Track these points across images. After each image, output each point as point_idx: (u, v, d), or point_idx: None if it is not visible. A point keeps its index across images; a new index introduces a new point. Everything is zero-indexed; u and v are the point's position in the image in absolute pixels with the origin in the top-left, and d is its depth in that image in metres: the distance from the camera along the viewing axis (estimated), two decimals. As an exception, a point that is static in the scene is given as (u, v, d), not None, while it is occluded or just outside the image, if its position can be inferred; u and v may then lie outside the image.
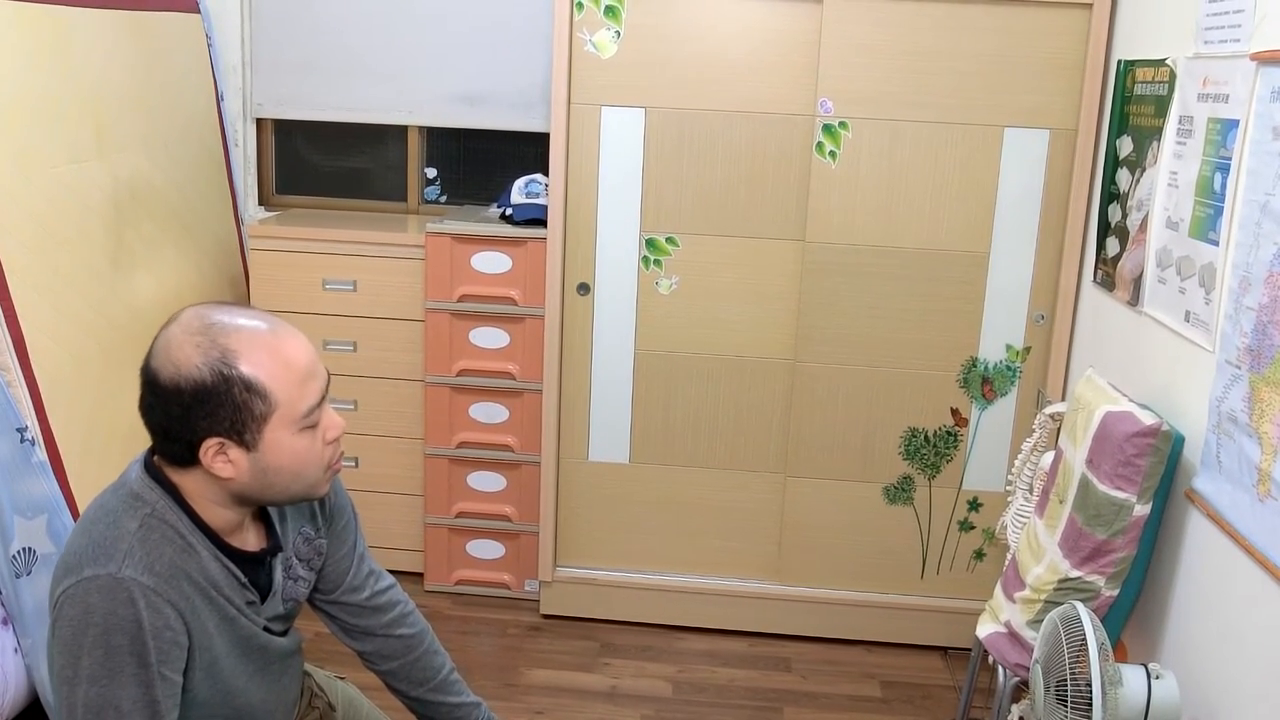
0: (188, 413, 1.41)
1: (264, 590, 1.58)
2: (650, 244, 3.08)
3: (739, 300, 3.09)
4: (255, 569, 1.56)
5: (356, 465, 3.42)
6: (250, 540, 1.57)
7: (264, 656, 1.59)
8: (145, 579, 1.39)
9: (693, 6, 2.94)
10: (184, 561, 1.45)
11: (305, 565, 1.67)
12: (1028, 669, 2.22)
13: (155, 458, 1.50)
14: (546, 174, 3.23)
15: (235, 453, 1.44)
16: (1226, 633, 2.00)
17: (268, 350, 1.44)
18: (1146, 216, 2.47)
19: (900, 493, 3.18)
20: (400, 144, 3.82)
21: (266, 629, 1.59)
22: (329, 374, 1.53)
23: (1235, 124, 2.06)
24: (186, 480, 1.48)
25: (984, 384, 3.09)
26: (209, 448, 1.43)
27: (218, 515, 1.50)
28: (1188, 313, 2.22)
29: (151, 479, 1.48)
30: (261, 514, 1.60)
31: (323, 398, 1.50)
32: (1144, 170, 2.51)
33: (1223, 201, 2.09)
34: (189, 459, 1.45)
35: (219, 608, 1.49)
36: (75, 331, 2.64)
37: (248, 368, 1.42)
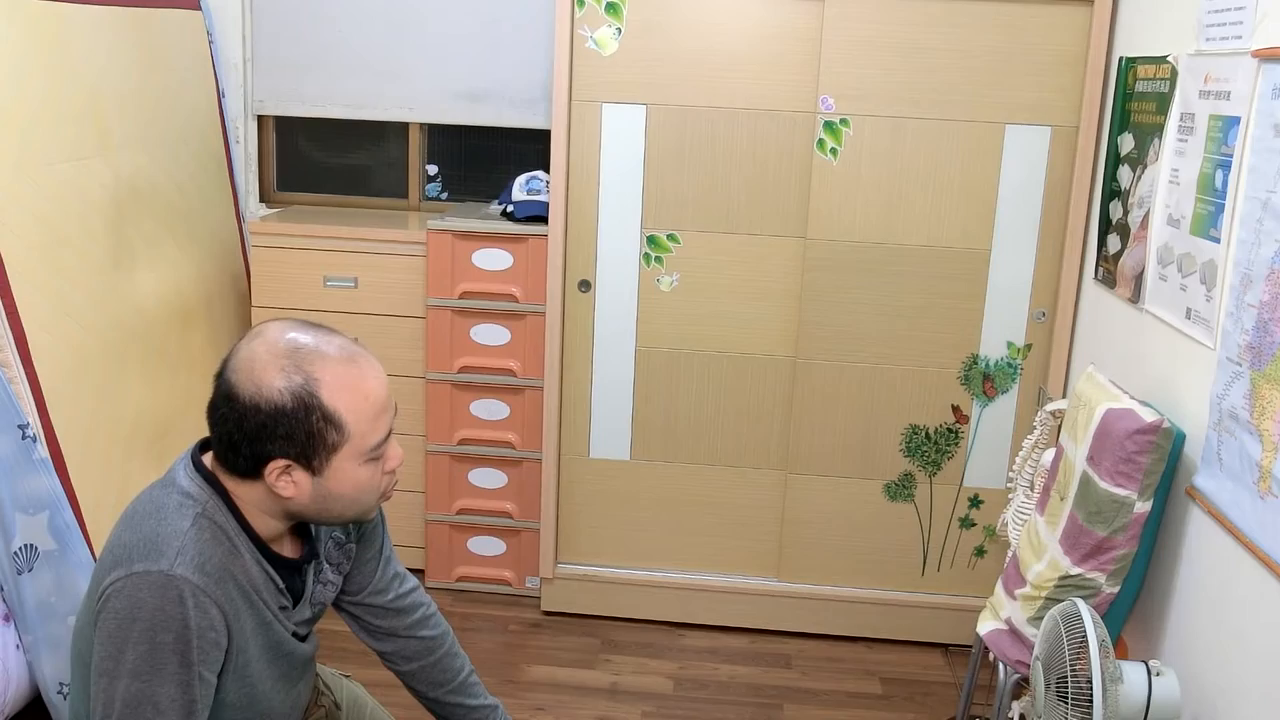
0: (261, 432, 1.42)
1: (297, 596, 1.60)
2: (651, 241, 3.08)
3: (740, 297, 3.09)
4: (291, 575, 1.57)
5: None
6: (288, 547, 1.58)
7: (289, 662, 1.60)
8: (195, 578, 1.40)
9: (694, 3, 2.93)
10: (231, 563, 1.46)
11: (335, 569, 1.68)
12: (1028, 666, 2.22)
13: (207, 459, 1.51)
14: (548, 171, 3.23)
15: (300, 475, 1.45)
16: (1227, 630, 2.00)
17: (350, 382, 1.44)
18: (1148, 214, 2.47)
19: (901, 490, 3.18)
20: (401, 141, 3.82)
21: (294, 634, 1.60)
22: (397, 406, 1.54)
23: (1236, 121, 2.06)
24: (241, 489, 1.48)
25: (985, 381, 3.09)
26: (275, 468, 1.44)
27: (265, 524, 1.51)
28: (1189, 310, 2.22)
29: (202, 478, 1.48)
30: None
31: (390, 431, 1.51)
32: (1145, 167, 2.51)
33: (1224, 199, 2.08)
34: (252, 473, 1.46)
35: (258, 611, 1.50)
36: (76, 328, 2.64)
37: (329, 398, 1.43)
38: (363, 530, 1.72)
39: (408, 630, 1.79)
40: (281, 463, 1.44)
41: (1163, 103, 2.42)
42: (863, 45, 2.91)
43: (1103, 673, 1.90)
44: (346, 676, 1.96)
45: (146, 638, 1.38)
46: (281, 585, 1.55)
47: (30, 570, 2.39)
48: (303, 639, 1.64)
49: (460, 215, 3.32)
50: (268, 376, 1.41)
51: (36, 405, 2.44)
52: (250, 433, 1.42)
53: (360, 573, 1.74)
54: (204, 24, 3.47)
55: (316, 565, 1.64)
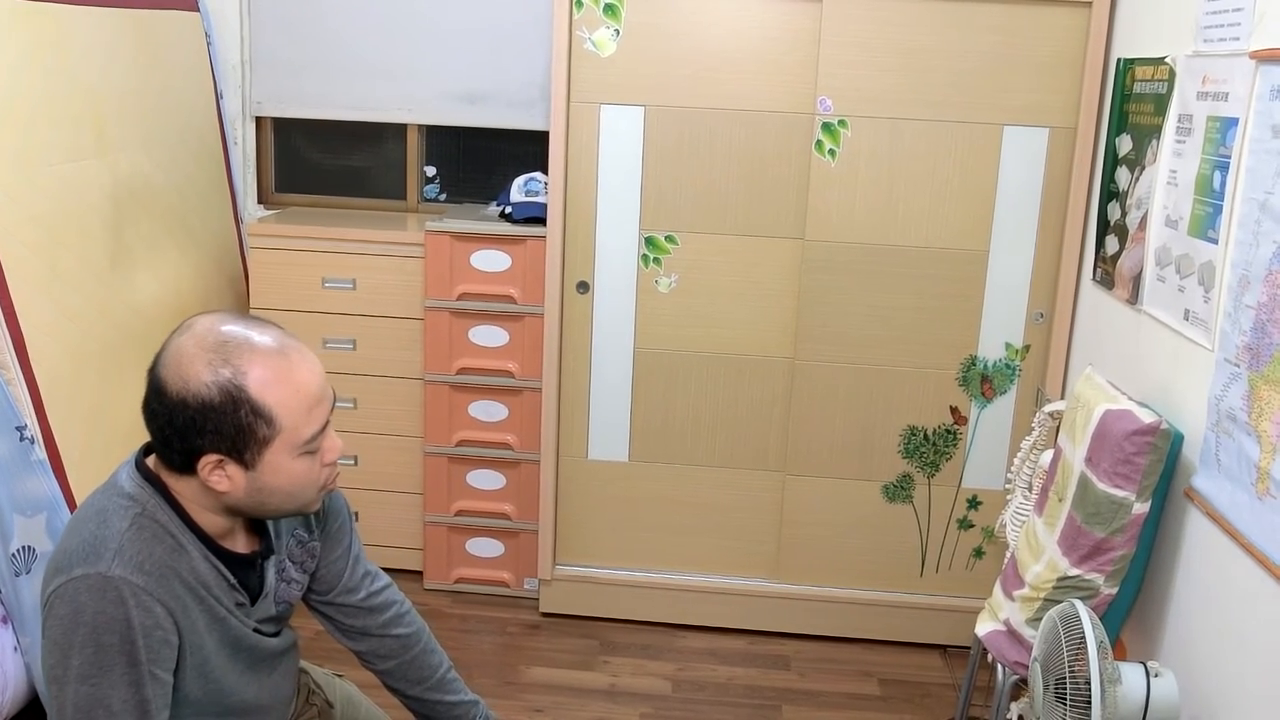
0: (190, 427, 1.40)
1: (254, 592, 1.58)
2: (650, 242, 3.08)
3: (738, 298, 3.09)
4: (246, 571, 1.56)
5: (356, 464, 3.42)
6: (241, 543, 1.57)
7: (254, 655, 1.59)
8: (135, 578, 1.39)
9: (692, 5, 2.93)
10: (174, 561, 1.45)
11: (298, 568, 1.67)
12: (1027, 667, 2.22)
13: (148, 458, 1.50)
14: (546, 172, 3.23)
15: (233, 469, 1.44)
16: (1225, 631, 2.00)
17: (279, 374, 1.42)
18: (1146, 215, 2.47)
19: (899, 491, 3.18)
20: (400, 142, 3.82)
21: (257, 630, 1.59)
22: (335, 396, 1.53)
23: (1234, 122, 2.06)
24: (180, 484, 1.47)
25: (983, 382, 3.09)
26: (207, 463, 1.43)
27: (209, 520, 1.50)
28: (1187, 311, 2.22)
29: (143, 478, 1.48)
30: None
31: (326, 423, 1.49)
32: (1143, 168, 2.51)
33: (1222, 200, 2.09)
34: (186, 468, 1.45)
35: (209, 608, 1.49)
36: (75, 330, 2.64)
37: (257, 391, 1.40)
38: (327, 528, 1.71)
39: (381, 629, 1.78)
40: (214, 457, 1.42)
41: (1161, 104, 2.43)
42: (861, 46, 2.91)
43: (1101, 674, 1.90)
44: (339, 676, 1.95)
45: (91, 640, 1.37)
46: (233, 581, 1.53)
47: (28, 572, 2.39)
48: (273, 635, 1.63)
49: (458, 217, 3.31)
50: (194, 370, 1.39)
51: (34, 407, 2.44)
52: (180, 428, 1.41)
53: (329, 572, 1.72)
54: (202, 25, 3.47)
55: (278, 562, 1.62)
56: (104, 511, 1.45)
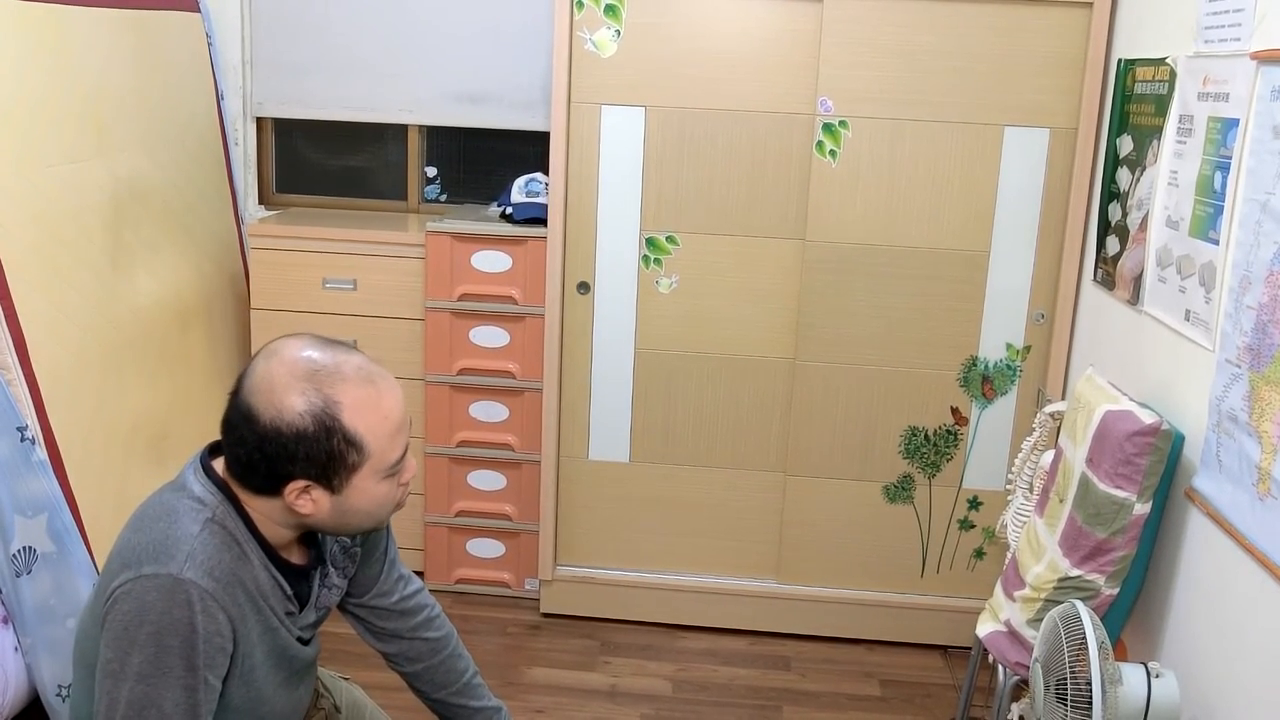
0: (282, 454, 1.42)
1: (303, 601, 1.60)
2: (650, 243, 3.08)
3: (739, 299, 3.09)
4: (299, 581, 1.57)
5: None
6: (296, 554, 1.58)
7: (292, 666, 1.60)
8: (204, 583, 1.40)
9: (693, 5, 2.93)
10: (239, 569, 1.46)
11: (340, 573, 1.68)
12: (1027, 668, 2.22)
13: (218, 463, 1.51)
14: (546, 173, 3.23)
15: (319, 494, 1.46)
16: (1226, 632, 2.00)
17: (369, 402, 1.44)
18: (1146, 215, 2.47)
19: (900, 492, 3.18)
20: (400, 143, 3.82)
21: (299, 639, 1.60)
22: (411, 420, 1.55)
23: (1235, 123, 2.06)
24: (256, 501, 1.48)
25: (984, 383, 3.09)
26: (295, 489, 1.44)
27: (275, 532, 1.51)
28: (1188, 312, 2.22)
29: (213, 484, 1.48)
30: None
31: (407, 446, 1.52)
32: (1144, 169, 2.51)
33: (1223, 200, 2.09)
34: (270, 491, 1.46)
35: (264, 617, 1.50)
36: (75, 330, 2.64)
37: (349, 419, 1.42)
38: (369, 533, 1.72)
39: (412, 632, 1.79)
40: (301, 483, 1.44)
41: (1161, 104, 2.43)
42: (861, 47, 2.91)
43: (1102, 674, 1.90)
44: (346, 679, 1.95)
45: (153, 641, 1.37)
46: (289, 592, 1.55)
47: (29, 573, 2.39)
48: (306, 642, 1.64)
49: (459, 217, 3.31)
50: (288, 399, 1.41)
51: (35, 407, 2.44)
52: (270, 455, 1.42)
53: (365, 576, 1.74)
54: (203, 26, 3.47)
55: (322, 570, 1.64)
56: (174, 512, 1.45)
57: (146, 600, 1.38)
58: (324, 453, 1.42)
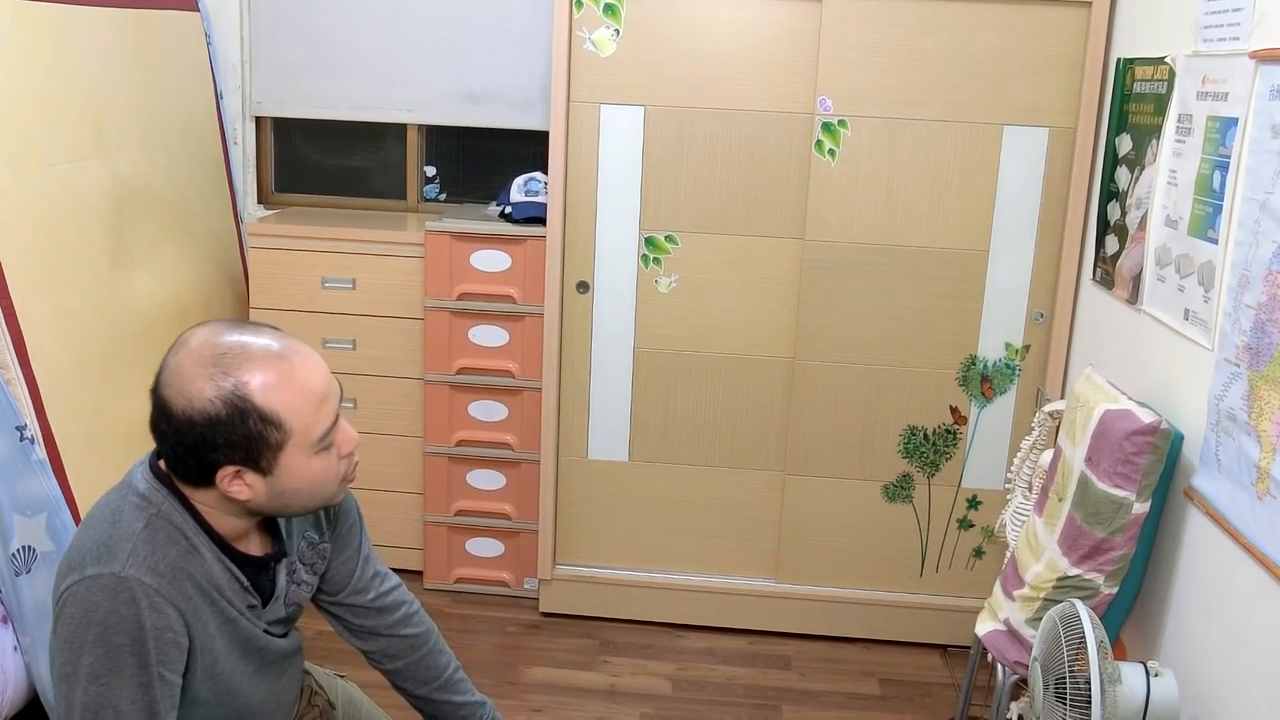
0: (201, 443, 1.40)
1: (266, 594, 1.58)
2: (649, 242, 3.08)
3: (738, 299, 3.09)
4: (258, 573, 1.56)
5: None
6: (254, 545, 1.57)
7: (263, 657, 1.59)
8: (148, 579, 1.39)
9: (692, 5, 2.93)
10: (187, 563, 1.45)
11: (309, 569, 1.67)
12: (1027, 667, 2.22)
13: (162, 460, 1.50)
14: (546, 172, 3.23)
15: (251, 477, 1.44)
16: (1225, 631, 2.00)
17: (281, 377, 1.42)
18: (1146, 215, 2.47)
19: (899, 491, 3.18)
20: (399, 142, 3.82)
21: (267, 631, 1.59)
22: (341, 387, 1.52)
23: (1234, 122, 2.06)
24: (198, 494, 1.47)
25: (983, 382, 3.09)
26: (225, 475, 1.43)
27: (226, 523, 1.50)
28: (1187, 311, 2.23)
29: (158, 480, 1.47)
30: (267, 519, 1.59)
31: (337, 416, 1.49)
32: (1143, 168, 2.51)
33: (1222, 200, 2.09)
34: (204, 481, 1.45)
35: (221, 610, 1.49)
36: (74, 330, 2.64)
37: (262, 398, 1.40)
38: (338, 530, 1.71)
39: (390, 629, 1.78)
40: (230, 469, 1.42)
41: (1161, 104, 2.43)
42: (860, 47, 2.91)
43: (1101, 674, 1.90)
44: (341, 677, 1.95)
45: (102, 641, 1.37)
46: (246, 583, 1.53)
47: (28, 572, 2.39)
48: (280, 636, 1.63)
49: (458, 217, 3.31)
50: (196, 387, 1.39)
51: (34, 407, 2.44)
52: (191, 445, 1.40)
53: (339, 572, 1.73)
54: (202, 25, 3.47)
55: (289, 564, 1.62)
56: (118, 511, 1.44)
57: (92, 601, 1.37)
58: (243, 435, 1.40)
